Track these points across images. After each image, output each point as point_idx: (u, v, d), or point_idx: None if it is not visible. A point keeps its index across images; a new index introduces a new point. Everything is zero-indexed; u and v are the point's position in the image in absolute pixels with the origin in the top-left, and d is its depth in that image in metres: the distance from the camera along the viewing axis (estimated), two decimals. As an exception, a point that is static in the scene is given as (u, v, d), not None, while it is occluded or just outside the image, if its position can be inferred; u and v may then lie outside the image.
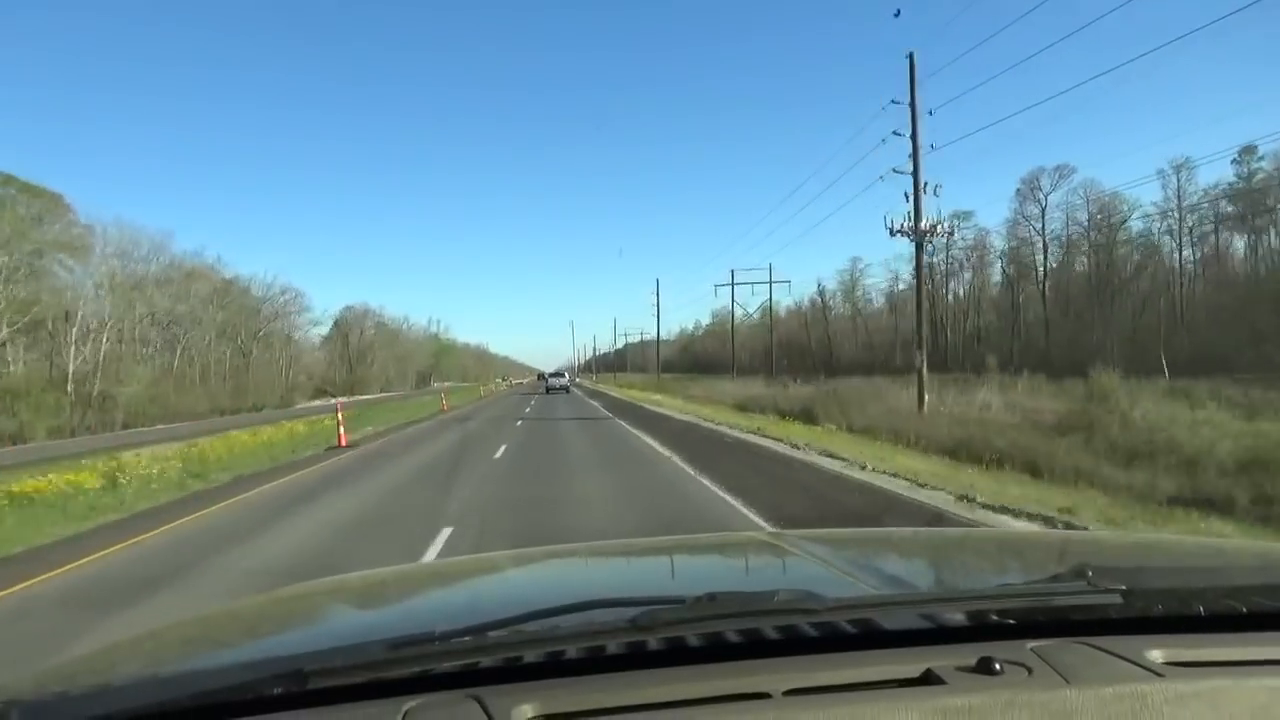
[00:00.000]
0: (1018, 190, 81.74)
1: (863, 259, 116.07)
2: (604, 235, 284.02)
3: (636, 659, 1.03)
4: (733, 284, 78.13)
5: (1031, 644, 1.05)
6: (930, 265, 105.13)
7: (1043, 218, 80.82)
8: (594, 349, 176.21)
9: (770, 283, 77.68)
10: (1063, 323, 77.45)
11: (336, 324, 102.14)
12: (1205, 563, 1.63)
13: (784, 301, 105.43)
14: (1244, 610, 1.13)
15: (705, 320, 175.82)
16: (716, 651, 1.05)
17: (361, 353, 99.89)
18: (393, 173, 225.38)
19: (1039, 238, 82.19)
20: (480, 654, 0.99)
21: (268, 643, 1.41)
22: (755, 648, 1.05)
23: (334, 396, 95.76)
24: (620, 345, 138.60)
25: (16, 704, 0.94)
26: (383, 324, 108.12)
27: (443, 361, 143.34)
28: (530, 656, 1.00)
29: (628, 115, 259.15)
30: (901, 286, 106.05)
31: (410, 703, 0.93)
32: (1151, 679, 0.97)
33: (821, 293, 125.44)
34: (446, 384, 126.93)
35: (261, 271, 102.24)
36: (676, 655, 1.04)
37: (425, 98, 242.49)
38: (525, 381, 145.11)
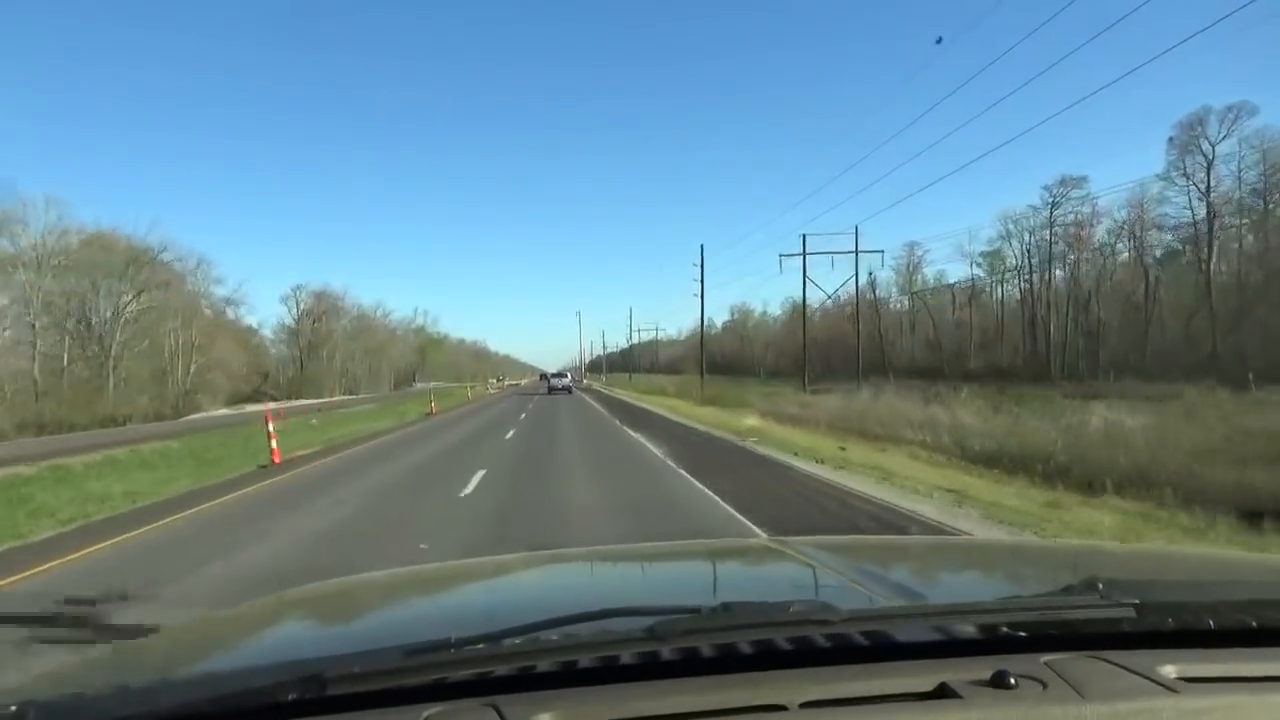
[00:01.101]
0: (1171, 139, 59.89)
1: (920, 244, 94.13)
2: (612, 231, 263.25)
3: (651, 668, 1.01)
4: (804, 253, 56.72)
5: (1045, 657, 1.03)
6: (1025, 246, 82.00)
7: (1208, 175, 59.10)
8: (603, 345, 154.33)
9: (856, 252, 56.42)
10: (1232, 315, 55.29)
11: (305, 313, 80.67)
12: (1217, 576, 1.60)
13: (818, 293, 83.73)
14: (1255, 625, 1.10)
15: (714, 318, 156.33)
16: (730, 662, 1.02)
17: (315, 345, 78.01)
18: (393, 170, 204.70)
19: (1199, 202, 60.37)
20: (496, 662, 0.97)
21: (283, 646, 1.40)
22: (768, 658, 1.03)
23: (275, 400, 74.92)
24: (636, 339, 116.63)
25: (34, 704, 0.91)
26: (346, 310, 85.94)
27: (430, 357, 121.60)
28: (545, 665, 0.99)
29: (641, 105, 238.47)
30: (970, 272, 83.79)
31: (428, 710, 0.92)
32: (1165, 694, 0.95)
33: (872, 281, 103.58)
34: (432, 384, 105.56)
35: (130, 223, 71.60)
36: (690, 665, 1.02)
37: (417, 84, 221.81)
38: (524, 383, 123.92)
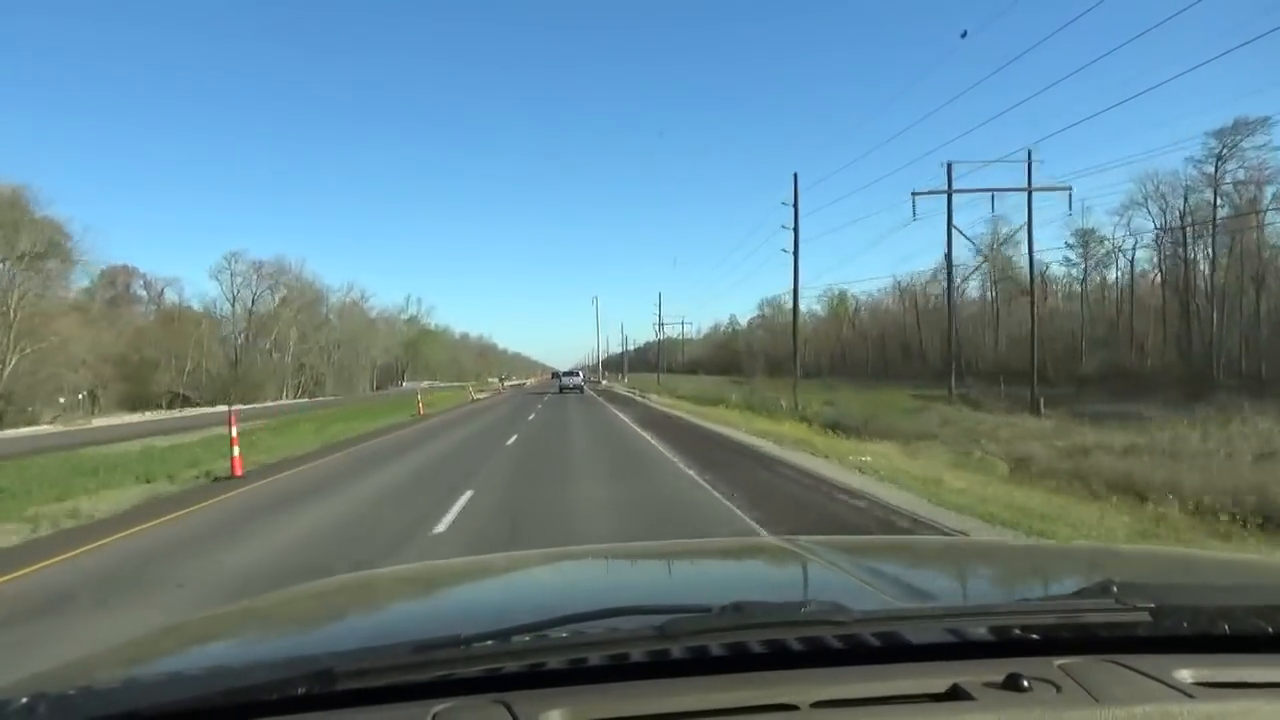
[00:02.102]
0: None
1: (1005, 219, 73.37)
2: (629, 230, 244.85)
3: (661, 667, 0.99)
4: (949, 190, 37.48)
5: (1059, 660, 1.01)
6: (1180, 213, 58.84)
7: None
8: (623, 341, 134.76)
9: (1029, 189, 37.17)
10: None
11: (243, 291, 61.83)
12: (1233, 579, 1.56)
13: (875, 285, 63.40)
14: (1271, 630, 1.07)
15: (738, 316, 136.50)
16: (741, 661, 1.00)
17: (261, 333, 58.80)
18: (398, 165, 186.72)
19: None
20: (506, 659, 0.96)
21: (292, 641, 1.38)
22: (780, 658, 1.01)
23: (197, 405, 55.75)
24: (660, 333, 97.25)
25: (45, 696, 0.91)
26: (306, 291, 66.47)
27: (422, 353, 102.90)
28: (555, 663, 0.98)
29: (657, 103, 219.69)
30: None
31: (438, 706, 0.91)
32: (1181, 699, 0.93)
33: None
34: (424, 384, 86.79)
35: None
36: (701, 664, 1.00)
37: (423, 79, 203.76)
38: (530, 382, 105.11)
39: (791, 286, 33.31)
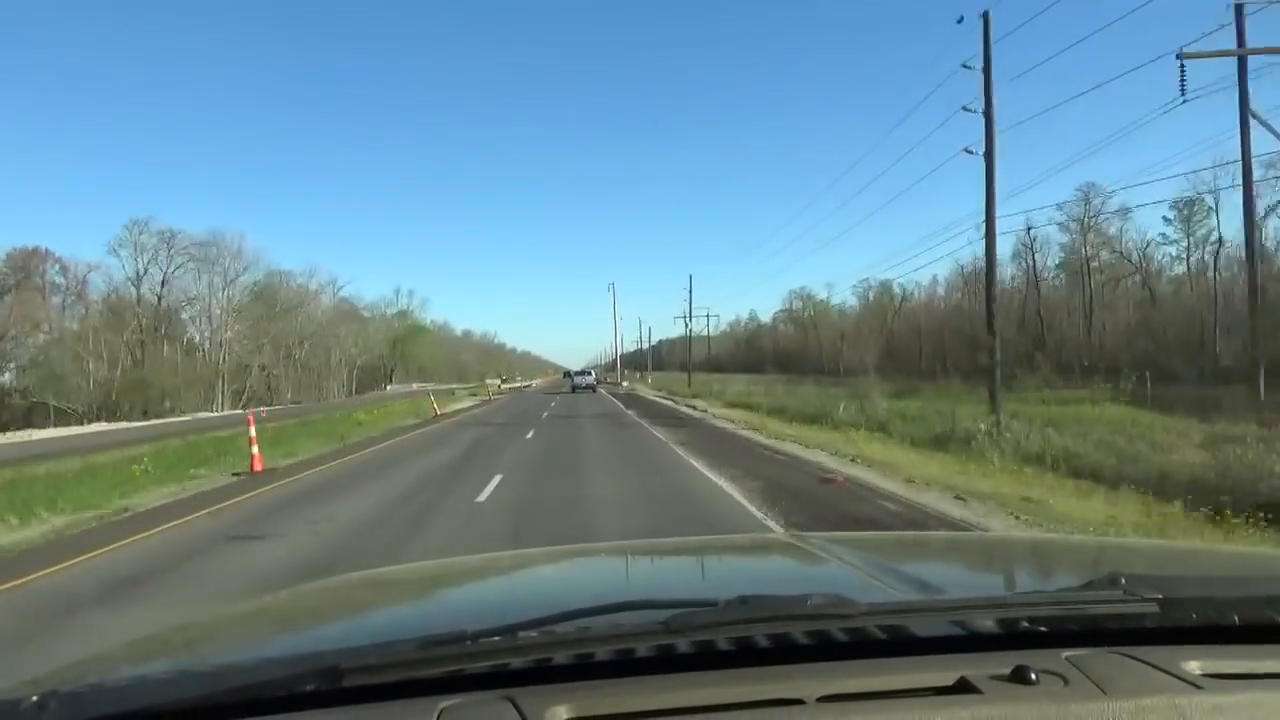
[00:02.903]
0: None
1: (1101, 184, 57.46)
2: (644, 229, 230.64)
3: (667, 662, 0.98)
4: (1240, 50, 22.44)
5: (1066, 653, 0.99)
6: None
7: None
8: (645, 335, 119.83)
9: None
10: None
11: (230, 280, 47.60)
12: (1241, 572, 1.56)
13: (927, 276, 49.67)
14: (1279, 621, 1.05)
15: (757, 312, 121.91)
16: (747, 655, 0.99)
17: (165, 325, 44.11)
18: (405, 162, 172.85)
19: None
20: (512, 655, 0.95)
21: (299, 639, 1.38)
22: (785, 652, 1.00)
23: (74, 423, 39.85)
24: (678, 326, 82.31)
25: (55, 694, 0.90)
26: (238, 268, 51.47)
27: (410, 351, 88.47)
28: (561, 658, 0.97)
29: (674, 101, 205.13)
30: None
31: (444, 702, 0.90)
32: (1189, 690, 0.92)
33: (1031, 240, 68.37)
34: (414, 386, 72.45)
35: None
36: (707, 659, 0.98)
37: (428, 76, 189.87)
38: (536, 384, 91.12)
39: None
